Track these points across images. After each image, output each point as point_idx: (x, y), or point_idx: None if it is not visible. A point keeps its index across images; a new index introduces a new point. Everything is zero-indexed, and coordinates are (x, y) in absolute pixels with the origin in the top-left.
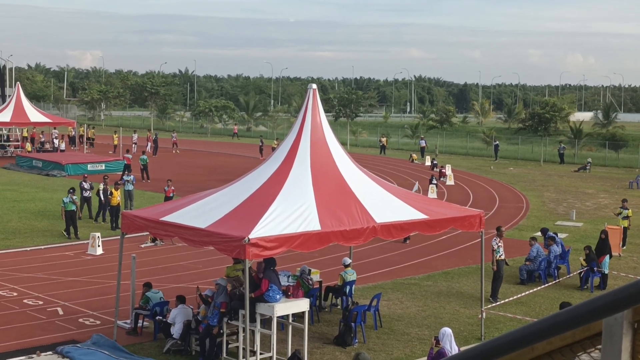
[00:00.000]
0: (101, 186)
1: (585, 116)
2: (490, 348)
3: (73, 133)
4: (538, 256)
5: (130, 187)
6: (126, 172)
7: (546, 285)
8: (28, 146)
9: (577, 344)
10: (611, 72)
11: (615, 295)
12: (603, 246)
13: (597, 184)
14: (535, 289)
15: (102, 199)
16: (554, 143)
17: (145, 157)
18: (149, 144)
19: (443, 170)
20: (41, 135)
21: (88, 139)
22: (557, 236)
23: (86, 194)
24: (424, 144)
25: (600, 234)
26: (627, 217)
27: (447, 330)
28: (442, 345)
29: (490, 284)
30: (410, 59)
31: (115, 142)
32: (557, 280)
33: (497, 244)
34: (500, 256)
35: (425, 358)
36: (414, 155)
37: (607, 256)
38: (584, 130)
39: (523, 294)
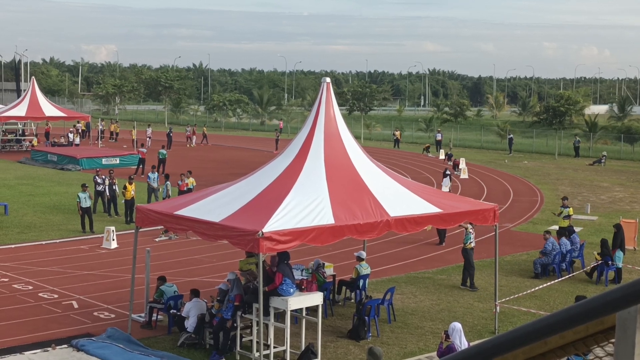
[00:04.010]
0: (107, 181)
1: (600, 109)
2: (503, 342)
3: (100, 126)
4: (552, 250)
5: (155, 184)
6: (152, 169)
7: (561, 279)
8: (34, 141)
9: (590, 338)
10: (627, 65)
11: (628, 288)
12: (615, 240)
13: (612, 178)
14: (549, 283)
15: (108, 193)
16: (568, 136)
17: (164, 151)
18: (193, 137)
19: (457, 162)
20: (76, 126)
21: (111, 133)
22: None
23: (99, 188)
24: (440, 137)
25: (614, 228)
26: (568, 217)
27: (457, 325)
28: (452, 340)
29: (503, 278)
30: (425, 52)
31: (134, 137)
32: (571, 274)
33: (469, 230)
34: (469, 244)
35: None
36: (429, 145)
37: (619, 250)
38: (599, 124)
39: (537, 287)
